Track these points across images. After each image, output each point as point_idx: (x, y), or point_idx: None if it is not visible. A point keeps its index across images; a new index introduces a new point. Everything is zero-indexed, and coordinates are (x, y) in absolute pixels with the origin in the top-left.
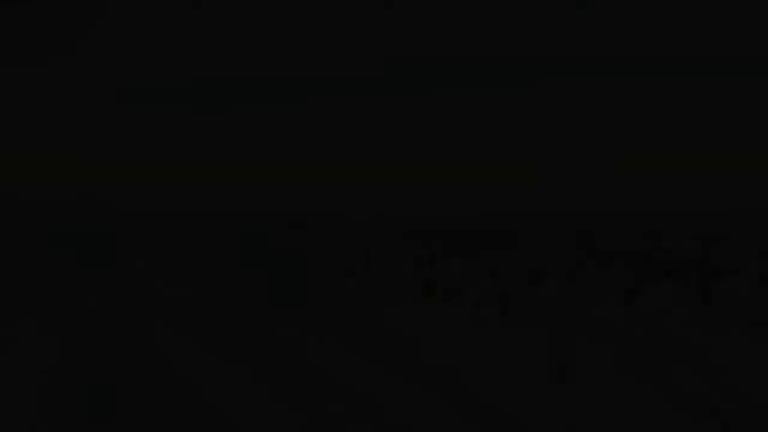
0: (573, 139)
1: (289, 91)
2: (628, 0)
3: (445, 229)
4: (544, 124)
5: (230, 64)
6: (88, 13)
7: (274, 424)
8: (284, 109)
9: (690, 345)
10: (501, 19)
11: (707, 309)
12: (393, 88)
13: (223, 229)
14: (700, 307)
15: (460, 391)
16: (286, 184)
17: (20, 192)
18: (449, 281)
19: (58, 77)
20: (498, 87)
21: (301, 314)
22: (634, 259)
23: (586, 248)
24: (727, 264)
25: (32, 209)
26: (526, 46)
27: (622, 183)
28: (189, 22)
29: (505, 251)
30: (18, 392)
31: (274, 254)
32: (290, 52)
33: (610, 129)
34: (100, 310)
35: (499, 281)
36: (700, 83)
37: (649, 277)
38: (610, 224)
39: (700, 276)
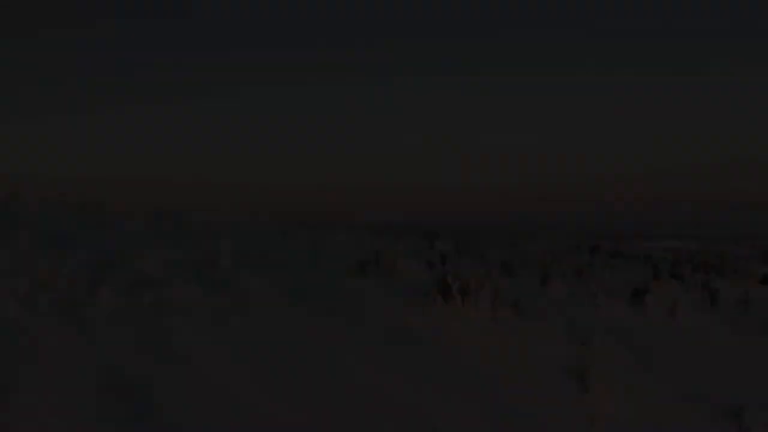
0: None
1: None
2: None
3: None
4: None
5: None
6: None
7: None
8: None
9: (703, 345)
10: None
11: (715, 309)
12: None
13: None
14: (708, 307)
15: (484, 391)
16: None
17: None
18: (461, 281)
19: None
20: None
21: (318, 313)
22: (638, 260)
23: (589, 248)
24: (729, 264)
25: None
26: None
27: None
28: None
29: (512, 250)
30: (51, 395)
31: (282, 254)
32: None
33: None
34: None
35: (510, 281)
36: None
37: (654, 277)
38: (610, 225)
39: (705, 276)
